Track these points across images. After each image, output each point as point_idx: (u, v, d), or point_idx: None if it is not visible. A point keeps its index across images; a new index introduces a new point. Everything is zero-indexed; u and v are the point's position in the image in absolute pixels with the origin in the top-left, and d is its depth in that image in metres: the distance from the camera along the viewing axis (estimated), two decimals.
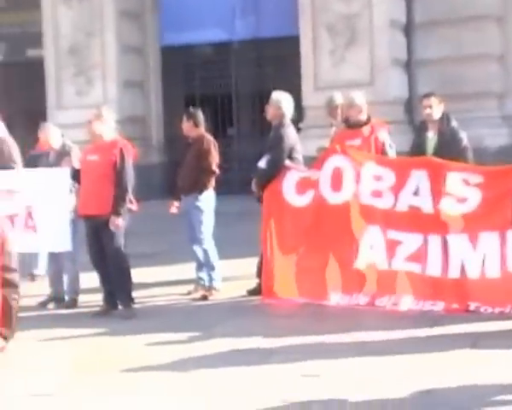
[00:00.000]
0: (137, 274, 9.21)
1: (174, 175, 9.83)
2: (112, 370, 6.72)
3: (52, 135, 9.37)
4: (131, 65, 19.29)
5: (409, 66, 17.91)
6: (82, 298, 9.32)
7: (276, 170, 9.01)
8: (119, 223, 8.57)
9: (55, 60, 18.99)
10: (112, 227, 8.54)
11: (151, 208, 12.73)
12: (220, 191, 9.90)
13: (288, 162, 9.03)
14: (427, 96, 9.18)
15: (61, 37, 18.88)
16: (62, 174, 8.93)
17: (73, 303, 9.25)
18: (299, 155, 9.22)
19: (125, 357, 7.10)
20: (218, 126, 18.91)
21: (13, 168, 9.44)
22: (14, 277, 3.83)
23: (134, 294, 8.86)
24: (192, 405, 5.79)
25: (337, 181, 8.82)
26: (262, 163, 9.11)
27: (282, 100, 9.23)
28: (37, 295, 9.54)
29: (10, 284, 3.82)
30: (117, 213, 8.55)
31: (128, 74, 19.11)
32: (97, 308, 8.85)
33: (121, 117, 17.48)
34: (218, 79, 19.93)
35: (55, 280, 9.42)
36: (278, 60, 19.02)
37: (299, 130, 13.61)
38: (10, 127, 10.45)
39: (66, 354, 7.35)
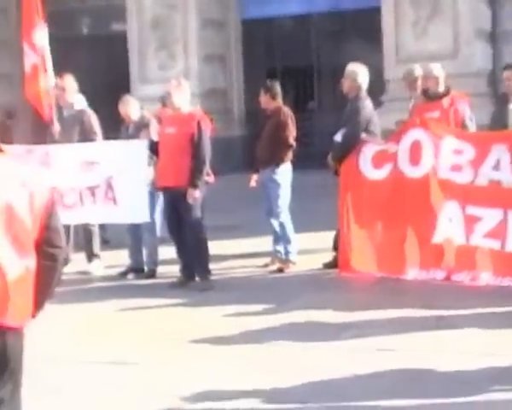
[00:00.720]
0: (215, 246, 9.29)
1: (254, 148, 9.84)
2: (186, 340, 6.81)
3: (131, 107, 9.47)
4: (213, 38, 19.35)
5: (494, 37, 17.53)
6: (160, 269, 9.42)
7: (352, 143, 8.92)
8: (196, 195, 8.63)
9: (138, 34, 19.18)
10: (189, 199, 8.61)
11: (231, 181, 12.81)
12: (300, 165, 9.88)
13: (364, 136, 8.95)
14: (509, 67, 8.98)
15: (144, 11, 19.04)
16: (140, 146, 9.03)
17: (152, 274, 9.37)
18: (375, 128, 9.12)
19: (200, 328, 7.18)
20: (299, 100, 18.84)
21: (93, 140, 9.57)
22: (58, 252, 3.88)
23: (211, 266, 8.93)
24: (265, 378, 5.81)
25: (416, 155, 8.69)
26: (338, 137, 9.05)
27: (357, 72, 9.12)
28: (117, 266, 9.69)
29: (51, 259, 3.88)
30: (194, 185, 8.61)
31: (209, 48, 19.18)
32: (175, 279, 8.95)
33: (202, 90, 17.68)
34: (299, 52, 19.86)
35: (135, 251, 9.54)
36: (359, 32, 18.84)
37: (380, 103, 13.50)
38: (94, 100, 10.62)
39: (143, 324, 7.47)
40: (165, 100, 9.77)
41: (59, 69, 10.68)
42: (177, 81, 8.95)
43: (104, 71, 20.29)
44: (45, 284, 3.93)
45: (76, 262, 9.83)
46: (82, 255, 9.85)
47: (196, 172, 8.63)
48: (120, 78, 19.14)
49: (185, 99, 8.83)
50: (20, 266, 3.71)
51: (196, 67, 18.70)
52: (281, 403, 5.42)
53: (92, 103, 10.23)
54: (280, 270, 9.28)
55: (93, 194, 9.13)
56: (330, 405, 5.31)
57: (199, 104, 8.96)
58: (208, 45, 19.15)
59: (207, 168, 8.75)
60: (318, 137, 18.55)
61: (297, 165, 9.64)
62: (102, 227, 10.44)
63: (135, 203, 8.99)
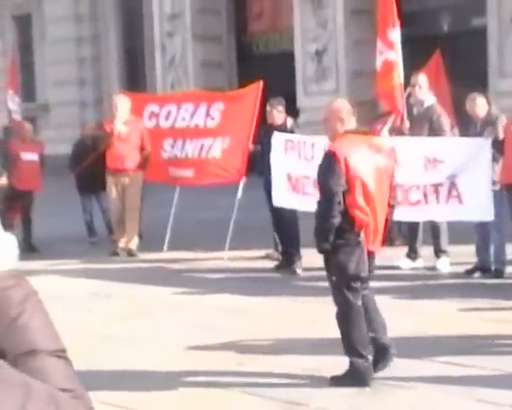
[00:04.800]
0: None
1: None
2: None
3: (477, 105, 9.32)
4: None
5: None
6: (510, 269, 9.16)
7: None
8: None
9: (497, 28, 18.82)
10: None
11: None
12: None
13: None
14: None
15: (503, 4, 18.65)
16: (484, 144, 8.90)
17: (499, 274, 9.17)
18: None
19: None
20: None
21: (441, 136, 9.59)
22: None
23: None
24: None
25: None
26: None
27: None
28: (464, 263, 9.58)
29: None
30: None
31: None
32: None
33: None
34: None
35: (482, 249, 9.39)
36: None
37: None
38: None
39: (474, 325, 7.35)
40: None
41: (413, 67, 10.86)
42: None
43: (462, 67, 20.17)
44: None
45: (424, 258, 9.92)
46: (430, 251, 9.91)
47: None
48: (479, 72, 18.92)
49: None
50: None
51: None
52: None
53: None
54: None
55: (437, 192, 9.15)
56: None
57: None
58: None
59: None
60: None
61: None
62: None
63: (479, 202, 8.88)
